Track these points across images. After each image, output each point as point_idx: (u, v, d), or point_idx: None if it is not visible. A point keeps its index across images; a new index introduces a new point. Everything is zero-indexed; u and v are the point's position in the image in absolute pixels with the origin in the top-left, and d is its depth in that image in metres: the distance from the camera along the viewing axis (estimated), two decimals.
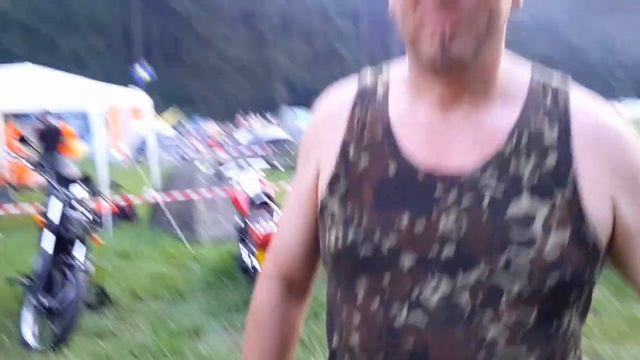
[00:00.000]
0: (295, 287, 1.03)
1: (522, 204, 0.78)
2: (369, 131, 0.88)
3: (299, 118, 22.45)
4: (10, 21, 36.54)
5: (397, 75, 0.91)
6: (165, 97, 35.37)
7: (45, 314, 4.15)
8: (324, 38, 46.72)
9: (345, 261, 0.86)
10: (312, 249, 0.97)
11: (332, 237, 0.87)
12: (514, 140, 0.81)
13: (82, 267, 4.33)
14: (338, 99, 0.95)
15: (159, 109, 28.54)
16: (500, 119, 0.83)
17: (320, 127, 0.95)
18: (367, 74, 0.97)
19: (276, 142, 16.54)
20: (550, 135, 0.81)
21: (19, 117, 12.69)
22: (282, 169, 7.69)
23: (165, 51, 44.13)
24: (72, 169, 8.59)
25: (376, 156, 0.86)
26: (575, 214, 0.78)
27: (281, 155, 12.39)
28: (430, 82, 0.84)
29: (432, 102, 0.85)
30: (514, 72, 0.86)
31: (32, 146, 5.23)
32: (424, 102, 0.85)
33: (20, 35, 36.18)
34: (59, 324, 4.10)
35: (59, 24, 36.11)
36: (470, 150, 0.82)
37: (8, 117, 12.26)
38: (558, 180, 0.79)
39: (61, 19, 36.08)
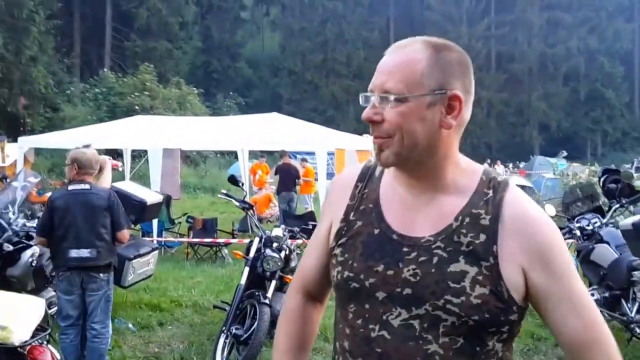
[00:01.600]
0: (311, 297, 1.46)
1: (458, 265, 1.15)
2: (365, 201, 1.29)
3: (548, 167, 20.72)
4: (281, 68, 41.64)
5: None
6: None
7: (234, 341, 4.55)
8: (587, 80, 42.97)
9: (342, 291, 1.26)
10: (323, 274, 1.37)
11: (335, 273, 1.27)
12: (460, 220, 1.18)
13: (269, 302, 4.63)
14: (349, 173, 1.38)
15: None
16: (453, 204, 1.20)
17: (336, 193, 1.37)
18: (373, 158, 1.37)
19: None
20: (485, 219, 1.17)
21: (263, 156, 14.25)
22: None
23: None
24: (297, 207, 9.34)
25: (367, 221, 1.26)
26: (494, 276, 1.14)
27: None
28: (401, 171, 1.25)
29: (405, 186, 1.25)
30: (468, 171, 1.24)
31: (239, 185, 5.78)
32: (400, 185, 1.26)
33: (289, 82, 40.90)
34: (244, 353, 4.45)
35: (321, 70, 39.88)
36: (429, 224, 1.20)
37: (258, 155, 13.93)
38: (485, 252, 1.15)
39: (323, 67, 39.79)
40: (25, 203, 5.28)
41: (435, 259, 1.16)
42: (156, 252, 5.94)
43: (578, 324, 1.15)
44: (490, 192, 1.19)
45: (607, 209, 5.92)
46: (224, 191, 5.86)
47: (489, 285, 1.13)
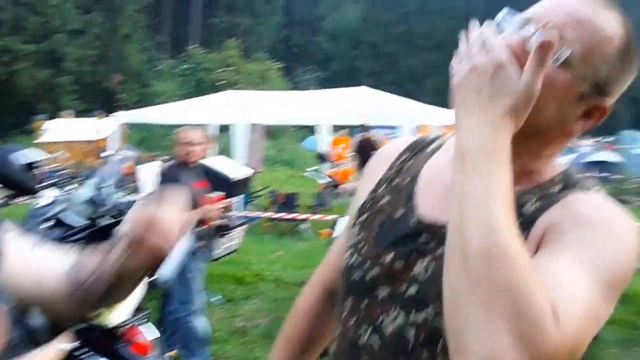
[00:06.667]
0: (333, 297, 1.11)
1: None
2: (403, 174, 1.02)
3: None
4: (361, 41, 41.15)
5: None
6: None
7: None
8: None
9: (343, 279, 1.01)
10: None
11: (345, 256, 1.02)
12: None
13: None
14: (395, 144, 1.11)
15: None
16: None
17: (374, 164, 1.10)
18: (438, 132, 1.13)
19: (603, 165, 14.91)
20: (524, 214, 0.85)
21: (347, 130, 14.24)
22: None
23: None
24: None
25: (395, 198, 0.99)
26: None
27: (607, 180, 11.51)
28: None
29: None
30: (547, 167, 0.92)
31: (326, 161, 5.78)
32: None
33: (369, 54, 40.39)
34: None
35: (402, 43, 39.09)
36: None
37: (338, 130, 13.91)
38: None
39: (404, 39, 38.97)
40: (124, 177, 5.49)
41: None
42: (243, 227, 6.05)
43: None
44: (557, 187, 0.89)
45: None
46: (313, 169, 5.88)
47: None
